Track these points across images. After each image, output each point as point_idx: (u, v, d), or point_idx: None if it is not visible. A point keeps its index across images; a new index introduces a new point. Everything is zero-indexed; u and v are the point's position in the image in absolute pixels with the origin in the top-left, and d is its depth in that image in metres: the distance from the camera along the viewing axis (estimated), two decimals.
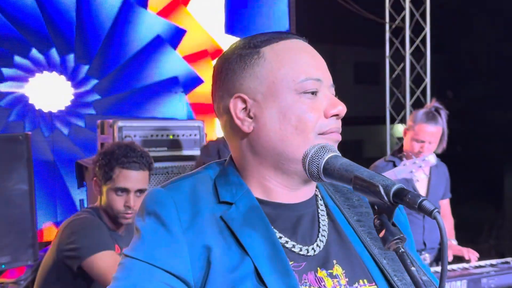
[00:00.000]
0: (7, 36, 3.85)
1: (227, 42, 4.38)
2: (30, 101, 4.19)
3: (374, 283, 1.14)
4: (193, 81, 4.46)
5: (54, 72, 4.26)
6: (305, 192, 1.18)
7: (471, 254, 3.80)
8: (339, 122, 1.16)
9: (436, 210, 0.87)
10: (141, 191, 2.55)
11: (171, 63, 4.31)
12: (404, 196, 0.91)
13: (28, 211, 3.18)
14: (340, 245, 1.16)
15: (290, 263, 1.09)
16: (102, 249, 2.40)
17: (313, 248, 1.13)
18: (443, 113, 3.59)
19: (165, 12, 4.17)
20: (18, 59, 4.06)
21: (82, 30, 4.06)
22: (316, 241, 1.15)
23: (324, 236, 1.16)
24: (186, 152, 3.87)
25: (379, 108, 7.61)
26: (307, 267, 1.11)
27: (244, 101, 1.15)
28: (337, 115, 1.14)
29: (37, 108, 4.21)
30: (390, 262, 1.16)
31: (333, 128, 1.14)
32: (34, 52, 4.08)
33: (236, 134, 1.17)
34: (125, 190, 2.52)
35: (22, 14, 3.90)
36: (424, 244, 3.69)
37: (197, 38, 4.39)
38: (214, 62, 4.50)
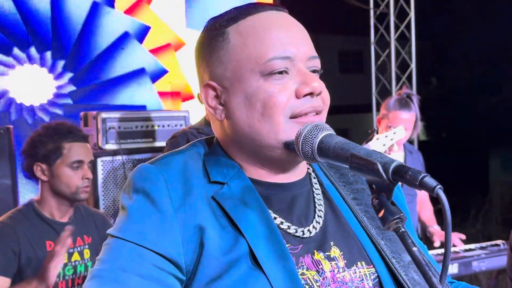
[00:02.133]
0: None
1: (189, 35, 4.81)
2: (11, 95, 4.11)
3: (372, 265, 1.09)
4: (159, 72, 4.70)
5: (35, 65, 4.19)
6: (296, 172, 1.12)
7: (455, 237, 3.79)
8: (318, 100, 1.07)
9: (439, 186, 0.82)
10: (91, 162, 2.56)
11: (138, 56, 4.59)
12: (404, 173, 0.86)
13: (11, 206, 3.12)
14: (337, 225, 1.11)
15: (287, 245, 1.04)
16: None
17: (309, 230, 1.08)
18: (415, 98, 3.62)
19: (130, 11, 4.55)
20: (2, 57, 4.08)
21: (57, 30, 4.26)
22: (312, 222, 1.09)
23: (320, 216, 1.10)
24: None
25: (365, 96, 7.59)
26: (304, 250, 1.06)
27: (214, 88, 1.09)
28: (311, 93, 1.05)
29: (18, 101, 4.13)
30: (388, 243, 1.12)
31: (307, 109, 1.05)
32: (16, 50, 4.13)
33: (215, 121, 1.12)
34: (81, 162, 2.49)
35: (2, 17, 4.05)
36: None
37: (161, 33, 4.74)
38: (177, 54, 4.64)
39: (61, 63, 4.29)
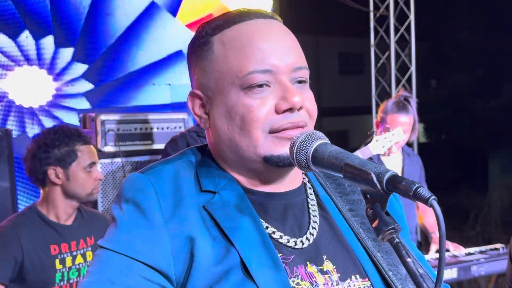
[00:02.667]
0: None
1: (234, 1, 3.85)
2: (10, 97, 4.11)
3: (367, 278, 1.07)
4: None
5: (34, 66, 4.17)
6: (290, 181, 1.11)
7: (456, 247, 3.79)
8: (299, 115, 1.04)
9: (433, 197, 0.82)
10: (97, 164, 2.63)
11: (172, 34, 3.94)
12: (398, 183, 0.85)
13: (10, 209, 3.12)
14: (331, 237, 1.10)
15: (279, 255, 1.02)
16: None
17: (301, 241, 1.06)
18: (412, 101, 3.62)
19: None
20: (1, 58, 3.97)
21: (59, 21, 3.88)
22: (306, 233, 1.08)
23: (314, 228, 1.09)
24: None
25: (364, 98, 7.59)
26: (296, 261, 1.04)
27: (200, 97, 1.09)
28: (290, 109, 1.03)
29: (17, 103, 4.12)
30: (384, 255, 1.10)
31: (285, 125, 1.03)
32: (15, 51, 3.96)
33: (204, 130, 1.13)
34: (93, 164, 2.55)
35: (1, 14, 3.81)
36: None
37: (199, 0, 3.93)
38: None
39: (67, 52, 3.97)
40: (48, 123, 4.07)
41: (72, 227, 2.54)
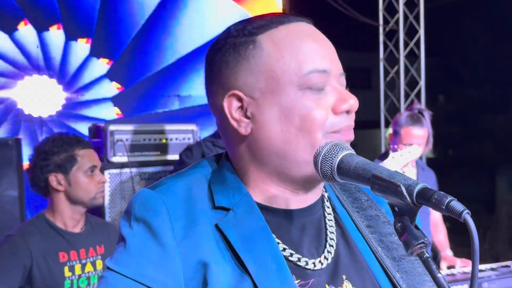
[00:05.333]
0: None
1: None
2: (19, 106, 4.10)
3: None
4: None
5: (44, 76, 4.18)
6: (312, 195, 1.06)
7: (464, 263, 3.73)
8: (352, 118, 1.03)
9: (466, 211, 0.79)
10: (100, 167, 2.64)
11: (221, 10, 3.63)
12: (429, 196, 0.82)
13: (18, 218, 3.11)
14: (349, 256, 1.05)
15: (297, 281, 0.98)
16: None
17: (320, 261, 1.02)
18: (427, 114, 3.56)
19: None
20: (12, 69, 3.98)
21: None
22: (323, 252, 1.03)
23: (332, 246, 1.05)
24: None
25: (372, 113, 7.57)
26: (315, 284, 1.00)
27: (240, 99, 1.01)
28: (348, 111, 1.01)
29: (26, 113, 4.12)
30: (404, 276, 1.06)
31: (345, 126, 1.01)
32: (25, 61, 3.96)
33: (233, 135, 1.03)
34: (95, 167, 2.55)
35: None
36: None
37: None
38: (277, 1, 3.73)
39: (85, 48, 3.87)
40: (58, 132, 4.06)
41: (81, 235, 2.54)
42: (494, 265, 3.86)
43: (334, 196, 1.14)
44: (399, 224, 0.86)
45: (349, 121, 1.03)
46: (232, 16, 3.72)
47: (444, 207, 0.81)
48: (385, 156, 3.64)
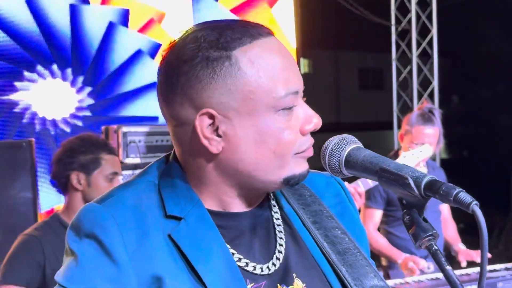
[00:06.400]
0: (16, 56, 4.18)
1: None
2: (34, 109, 4.15)
3: None
4: None
5: (58, 79, 4.23)
6: (261, 196, 1.08)
7: (479, 255, 3.70)
8: (311, 136, 1.04)
9: (475, 202, 0.79)
10: (121, 175, 2.65)
11: (151, 71, 4.76)
12: (437, 188, 0.82)
13: (32, 219, 3.13)
14: (298, 254, 1.06)
15: (250, 285, 0.99)
16: (5, 282, 2.34)
17: (272, 264, 1.03)
18: (437, 113, 3.55)
19: (143, 29, 4.85)
20: (27, 74, 4.18)
21: (76, 49, 4.43)
22: (274, 253, 1.04)
23: (282, 245, 1.05)
24: None
25: (385, 113, 7.54)
26: (267, 285, 1.01)
27: (212, 116, 0.97)
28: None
29: (40, 115, 4.17)
30: (348, 269, 1.06)
31: (309, 145, 1.02)
32: (40, 67, 4.23)
33: (199, 149, 1.00)
34: (116, 174, 2.57)
35: (26, 37, 4.20)
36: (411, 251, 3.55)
37: None
38: None
39: (80, 78, 4.44)
40: (71, 134, 4.10)
41: None
42: (509, 265, 3.83)
43: (280, 194, 1.13)
44: (407, 217, 0.86)
45: (312, 139, 1.03)
46: None
47: (452, 199, 0.80)
48: (395, 156, 3.63)
